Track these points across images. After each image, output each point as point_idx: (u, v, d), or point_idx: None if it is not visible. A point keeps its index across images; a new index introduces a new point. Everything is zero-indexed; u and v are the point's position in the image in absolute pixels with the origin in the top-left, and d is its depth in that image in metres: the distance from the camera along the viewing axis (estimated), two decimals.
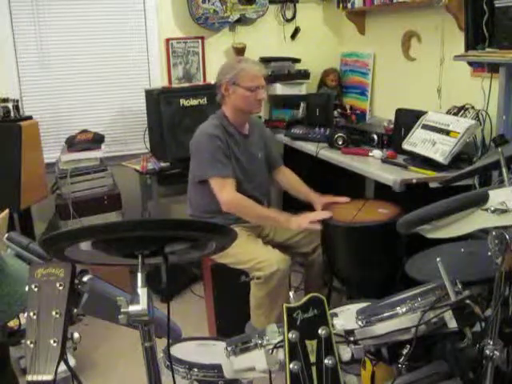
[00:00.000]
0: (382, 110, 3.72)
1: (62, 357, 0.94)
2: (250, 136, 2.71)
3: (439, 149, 2.53)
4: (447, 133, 2.55)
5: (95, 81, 3.65)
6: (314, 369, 0.96)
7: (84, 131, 3.48)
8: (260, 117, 3.89)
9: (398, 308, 1.34)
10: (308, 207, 2.72)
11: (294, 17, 4.01)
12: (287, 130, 3.57)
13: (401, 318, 1.33)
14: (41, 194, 3.18)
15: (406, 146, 2.74)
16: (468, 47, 2.50)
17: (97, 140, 3.41)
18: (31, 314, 0.95)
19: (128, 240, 1.03)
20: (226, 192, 2.49)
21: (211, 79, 3.75)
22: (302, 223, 2.49)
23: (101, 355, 2.78)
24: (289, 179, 2.91)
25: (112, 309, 1.06)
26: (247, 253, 2.49)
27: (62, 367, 0.94)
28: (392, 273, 2.38)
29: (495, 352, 1.23)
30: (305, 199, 2.78)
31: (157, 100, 3.32)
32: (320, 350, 0.97)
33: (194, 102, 3.40)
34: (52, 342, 0.93)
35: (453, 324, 1.28)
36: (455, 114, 2.72)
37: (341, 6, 3.79)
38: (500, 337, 1.25)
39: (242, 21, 3.78)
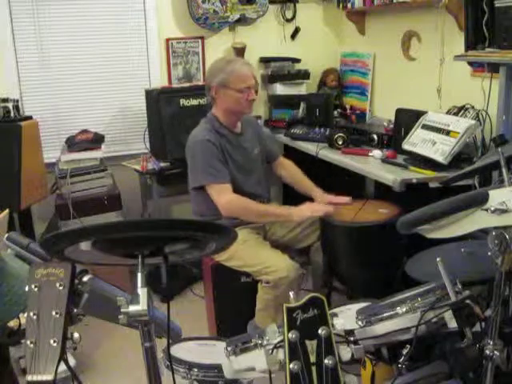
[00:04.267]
0: (382, 110, 3.72)
1: (62, 357, 0.94)
2: (243, 134, 2.70)
3: (439, 149, 2.53)
4: (447, 133, 2.55)
5: (95, 81, 3.65)
6: (314, 369, 0.96)
7: (84, 131, 3.48)
8: (260, 117, 3.89)
9: (398, 308, 1.34)
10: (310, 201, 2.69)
11: (293, 17, 4.01)
12: (287, 130, 3.57)
13: (401, 318, 1.33)
14: (41, 194, 3.18)
15: (406, 146, 2.74)
16: (468, 47, 2.50)
17: (97, 140, 3.42)
18: (31, 314, 0.95)
19: (128, 240, 1.03)
20: (222, 197, 2.48)
21: None
22: (304, 213, 2.47)
23: (101, 355, 2.78)
24: (290, 172, 2.90)
25: (112, 309, 1.06)
26: (256, 256, 2.49)
27: (62, 367, 0.94)
28: (392, 273, 2.38)
29: (495, 352, 1.23)
30: (306, 193, 2.76)
31: (157, 100, 3.32)
32: (320, 349, 0.97)
33: (194, 102, 3.40)
34: (52, 341, 0.93)
35: (453, 324, 1.28)
36: (455, 114, 2.72)
37: (341, 5, 3.79)
38: (500, 337, 1.25)
39: (242, 21, 3.78)
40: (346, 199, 2.64)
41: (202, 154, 2.50)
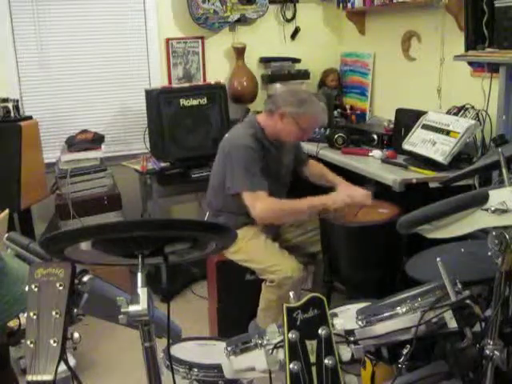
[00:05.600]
0: (382, 110, 3.71)
1: (62, 357, 0.94)
2: (282, 146, 2.64)
3: (439, 149, 2.53)
4: (447, 133, 2.55)
5: (95, 81, 3.65)
6: (313, 369, 0.96)
7: (84, 131, 3.48)
8: None
9: (398, 308, 1.34)
10: None
11: (293, 17, 4.01)
12: None
13: (401, 318, 1.32)
14: (41, 193, 3.18)
15: (406, 146, 2.74)
16: (468, 47, 2.50)
17: (97, 140, 3.42)
18: (31, 314, 0.95)
19: (128, 240, 1.03)
20: (258, 205, 2.39)
21: (211, 79, 3.76)
22: (341, 200, 2.40)
23: (101, 355, 2.78)
24: (315, 170, 2.86)
25: (112, 309, 1.05)
26: (262, 254, 2.49)
27: (62, 367, 0.94)
28: (392, 273, 2.38)
29: (495, 352, 1.23)
30: (332, 186, 2.71)
31: (157, 100, 3.33)
32: (320, 349, 0.97)
33: (194, 102, 3.40)
34: (52, 342, 0.93)
35: (453, 324, 1.28)
36: (455, 114, 2.72)
37: (341, 5, 3.79)
38: (500, 337, 1.25)
39: (242, 21, 3.78)
40: (368, 201, 2.48)
41: (244, 160, 2.42)
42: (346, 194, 2.45)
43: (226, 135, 2.59)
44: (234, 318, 2.64)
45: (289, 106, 2.47)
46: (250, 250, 2.49)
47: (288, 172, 2.75)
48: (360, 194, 2.45)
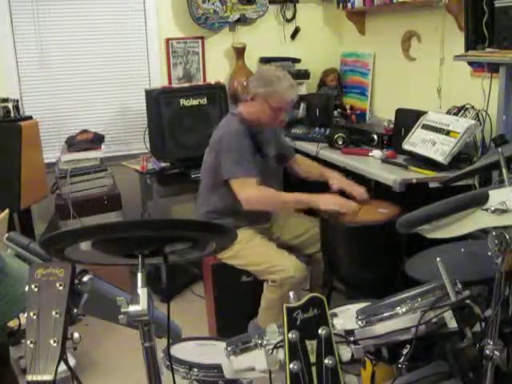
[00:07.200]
0: (382, 110, 3.71)
1: (62, 357, 0.94)
2: (264, 134, 2.68)
3: (439, 149, 2.53)
4: (447, 133, 2.55)
5: (95, 81, 3.65)
6: (313, 369, 0.96)
7: (84, 131, 3.48)
8: None
9: (398, 308, 1.34)
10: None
11: (293, 17, 4.01)
12: (287, 130, 3.56)
13: (401, 318, 1.32)
14: (41, 193, 3.18)
15: (406, 146, 2.74)
16: (468, 47, 2.50)
17: (97, 140, 3.42)
18: (31, 314, 0.95)
19: (128, 240, 1.03)
20: (247, 190, 2.44)
21: (211, 79, 3.76)
22: (330, 206, 2.43)
23: (101, 355, 2.78)
24: (303, 165, 2.90)
25: (112, 309, 1.06)
26: (261, 255, 2.49)
27: (62, 367, 0.94)
28: (392, 273, 2.38)
29: (495, 352, 1.23)
30: (322, 179, 2.75)
31: (157, 100, 3.33)
32: (320, 349, 0.97)
33: (194, 102, 3.41)
34: (52, 342, 0.93)
35: (453, 324, 1.28)
36: (455, 114, 2.72)
37: (341, 5, 3.79)
38: (500, 337, 1.25)
39: (242, 21, 3.78)
40: (360, 190, 2.57)
41: (235, 146, 2.46)
42: (337, 203, 2.44)
43: (214, 131, 2.62)
44: (232, 318, 2.63)
45: (258, 88, 2.55)
46: (248, 253, 2.49)
47: (271, 167, 2.73)
48: (348, 205, 2.45)
